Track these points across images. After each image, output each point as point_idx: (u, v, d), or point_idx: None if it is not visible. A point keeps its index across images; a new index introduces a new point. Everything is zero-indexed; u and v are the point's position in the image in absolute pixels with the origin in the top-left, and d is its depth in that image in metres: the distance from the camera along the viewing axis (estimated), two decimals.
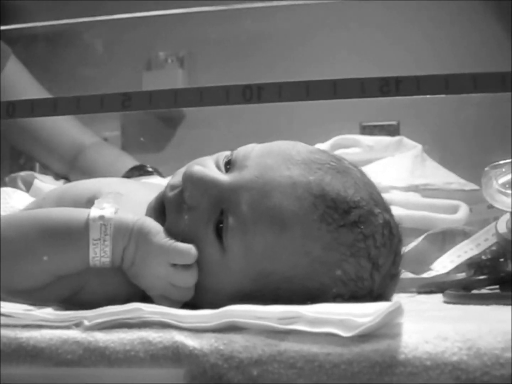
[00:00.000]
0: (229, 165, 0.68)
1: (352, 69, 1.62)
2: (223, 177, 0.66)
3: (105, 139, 1.32)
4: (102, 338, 0.53)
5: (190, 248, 0.64)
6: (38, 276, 0.65)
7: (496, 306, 0.78)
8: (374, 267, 0.65)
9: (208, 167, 0.67)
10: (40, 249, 0.65)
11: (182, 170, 0.69)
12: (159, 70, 1.75)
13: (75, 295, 0.66)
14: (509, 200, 0.93)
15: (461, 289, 0.94)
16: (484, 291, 0.96)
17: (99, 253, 0.64)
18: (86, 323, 0.54)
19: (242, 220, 0.63)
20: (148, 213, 0.68)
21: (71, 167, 1.23)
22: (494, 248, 1.00)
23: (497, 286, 0.97)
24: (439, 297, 0.90)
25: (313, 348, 0.50)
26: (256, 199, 0.63)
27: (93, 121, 1.37)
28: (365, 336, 0.50)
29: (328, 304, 0.55)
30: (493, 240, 1.00)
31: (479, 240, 1.01)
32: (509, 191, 0.93)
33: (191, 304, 0.63)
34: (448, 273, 0.99)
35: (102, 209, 0.66)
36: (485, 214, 1.12)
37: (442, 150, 1.37)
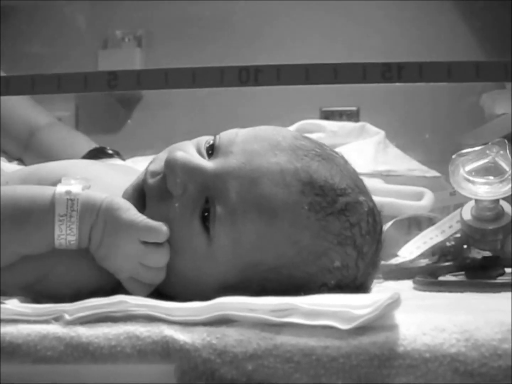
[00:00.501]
0: (211, 151, 0.66)
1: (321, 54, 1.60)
2: (207, 163, 0.64)
3: (59, 120, 1.26)
4: (85, 333, 0.50)
5: (161, 225, 0.61)
6: (2, 254, 0.61)
7: (474, 294, 0.79)
8: (359, 255, 0.64)
9: (189, 153, 0.64)
10: (3, 225, 0.61)
11: (162, 156, 0.66)
12: (115, 49, 1.69)
13: (39, 283, 0.63)
14: (474, 187, 0.94)
15: (427, 276, 0.95)
16: (450, 277, 0.97)
17: (65, 231, 0.61)
18: (67, 317, 0.51)
19: (230, 209, 0.61)
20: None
21: (24, 148, 1.16)
22: (458, 235, 1.01)
23: (462, 273, 0.98)
24: (407, 283, 0.91)
25: (310, 342, 0.48)
26: (245, 187, 0.61)
27: (44, 100, 1.31)
28: (362, 329, 0.49)
29: (321, 295, 0.54)
30: (458, 227, 1.01)
31: (443, 227, 1.01)
32: (475, 179, 0.94)
33: (171, 297, 0.61)
34: (413, 259, 1.00)
35: (69, 185, 0.62)
36: (446, 201, 1.13)
37: (400, 137, 1.38)
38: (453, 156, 0.97)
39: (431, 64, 0.45)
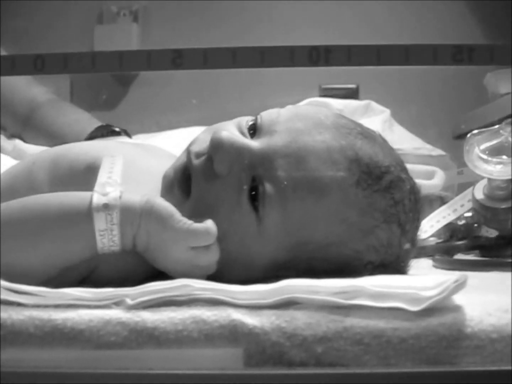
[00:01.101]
0: (252, 131, 0.65)
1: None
2: (253, 142, 0.63)
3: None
4: (150, 318, 0.49)
5: (208, 228, 0.58)
6: (42, 270, 0.58)
7: (497, 273, 0.80)
8: (402, 233, 0.65)
9: (233, 132, 0.64)
10: (42, 243, 0.58)
11: (203, 136, 0.65)
12: (111, 24, 1.64)
13: (90, 274, 0.61)
14: (489, 166, 0.95)
15: (443, 254, 0.96)
16: (463, 256, 0.99)
17: (107, 243, 0.58)
18: (129, 301, 0.50)
19: (280, 187, 0.60)
20: (168, 185, 0.64)
21: (24, 125, 1.13)
22: (469, 214, 1.03)
23: (476, 251, 1.00)
24: (426, 262, 0.92)
25: (380, 323, 0.48)
26: (293, 165, 0.61)
27: (37, 77, 1.27)
28: (429, 310, 0.49)
29: (382, 277, 0.54)
30: (469, 206, 1.02)
31: (455, 205, 1.02)
32: (489, 158, 0.95)
33: (218, 278, 0.60)
34: (426, 238, 1.01)
35: (105, 195, 0.58)
36: (454, 179, 1.14)
37: (398, 115, 1.38)
38: (468, 135, 0.98)
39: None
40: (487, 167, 0.95)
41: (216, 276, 0.61)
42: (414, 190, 0.67)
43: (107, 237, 0.57)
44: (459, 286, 0.49)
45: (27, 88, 1.15)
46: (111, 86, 1.66)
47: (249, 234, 0.61)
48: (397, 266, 0.66)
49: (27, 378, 0.48)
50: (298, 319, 0.49)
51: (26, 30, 1.56)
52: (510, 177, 0.95)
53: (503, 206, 0.97)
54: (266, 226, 0.60)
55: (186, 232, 0.58)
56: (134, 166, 0.66)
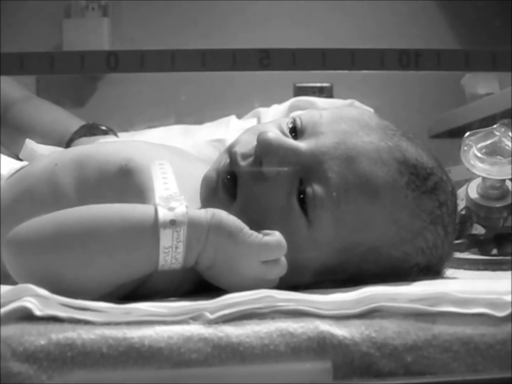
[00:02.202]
0: (294, 133, 0.63)
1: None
2: (300, 144, 0.61)
3: None
4: (234, 332, 0.46)
5: (280, 241, 0.56)
6: (99, 286, 0.54)
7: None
8: (445, 234, 0.65)
9: (278, 134, 0.61)
10: (102, 258, 0.53)
11: (246, 138, 0.63)
12: (79, 19, 1.56)
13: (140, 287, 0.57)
14: (486, 166, 0.97)
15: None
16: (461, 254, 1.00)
17: (170, 261, 0.54)
18: (209, 315, 0.47)
19: (331, 189, 0.59)
20: (211, 188, 0.61)
21: None
22: (463, 212, 1.05)
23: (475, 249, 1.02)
24: None
25: (467, 330, 0.48)
26: (344, 166, 0.60)
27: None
28: (510, 314, 0.49)
29: (458, 281, 0.53)
30: (463, 204, 1.04)
31: None
32: (486, 158, 0.97)
33: None
34: None
35: (171, 210, 0.54)
36: None
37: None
38: (465, 135, 1.00)
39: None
40: (484, 166, 0.97)
41: None
42: (454, 192, 0.68)
43: (171, 254, 0.53)
44: None
45: (2, 85, 1.08)
46: (79, 83, 1.59)
47: (299, 237, 0.59)
48: (439, 268, 0.67)
49: None
50: (387, 328, 0.48)
51: None
52: (507, 177, 0.98)
53: (498, 205, 1.00)
54: (317, 229, 0.59)
55: (258, 247, 0.55)
56: (178, 171, 0.62)
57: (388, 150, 0.62)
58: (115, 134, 1.04)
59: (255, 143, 0.61)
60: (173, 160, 0.66)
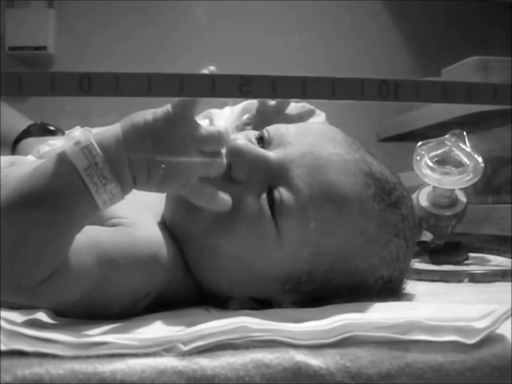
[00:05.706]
0: (261, 144, 0.64)
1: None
2: (269, 152, 0.62)
3: None
4: (209, 364, 0.45)
5: (221, 131, 0.56)
6: (60, 245, 0.51)
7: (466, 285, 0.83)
8: (407, 248, 0.66)
9: (248, 142, 0.62)
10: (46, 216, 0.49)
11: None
12: (23, 9, 1.49)
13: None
14: (436, 175, 0.99)
15: None
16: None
17: (100, 181, 0.50)
18: (182, 347, 0.46)
19: (299, 197, 0.59)
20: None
21: None
22: None
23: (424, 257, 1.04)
24: None
25: (438, 357, 0.48)
26: (311, 174, 0.60)
27: None
28: (479, 341, 0.50)
29: (426, 305, 0.54)
30: None
31: None
32: (438, 167, 0.99)
33: (228, 289, 0.61)
34: None
35: (71, 139, 0.50)
36: None
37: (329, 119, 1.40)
38: (418, 144, 1.01)
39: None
40: (435, 176, 0.99)
41: (224, 288, 0.62)
42: (413, 208, 0.69)
43: (96, 174, 0.49)
44: (504, 315, 0.50)
45: None
46: None
47: (269, 244, 0.59)
48: (399, 282, 0.67)
49: None
50: (362, 358, 0.47)
51: None
52: (457, 187, 1.00)
53: (448, 213, 1.02)
54: (285, 236, 0.59)
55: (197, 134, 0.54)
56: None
57: (355, 162, 0.63)
58: (64, 134, 1.01)
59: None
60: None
